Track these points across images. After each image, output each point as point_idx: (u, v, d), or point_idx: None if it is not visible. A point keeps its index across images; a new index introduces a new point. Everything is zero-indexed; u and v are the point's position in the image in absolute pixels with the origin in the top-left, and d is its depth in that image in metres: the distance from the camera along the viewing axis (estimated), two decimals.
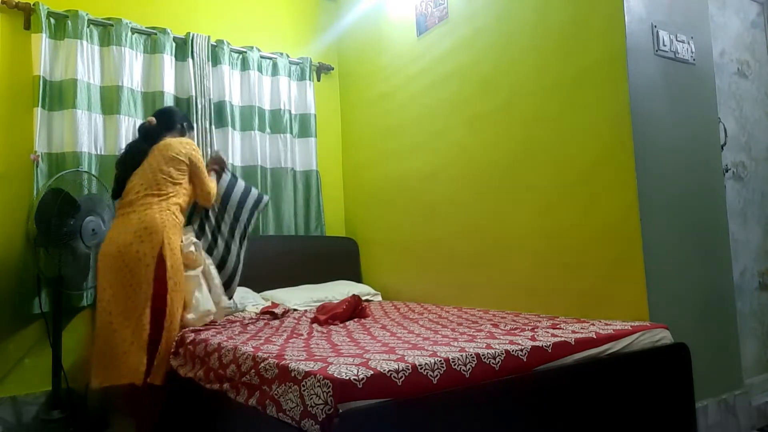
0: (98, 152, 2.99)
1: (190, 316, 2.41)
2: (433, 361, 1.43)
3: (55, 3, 2.94)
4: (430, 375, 1.40)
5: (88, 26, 3.01)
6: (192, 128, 2.89)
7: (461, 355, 1.49)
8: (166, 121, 2.69)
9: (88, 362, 2.82)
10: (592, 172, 2.32)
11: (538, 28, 2.56)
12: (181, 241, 2.46)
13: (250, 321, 2.57)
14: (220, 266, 2.65)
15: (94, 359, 2.33)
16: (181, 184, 2.51)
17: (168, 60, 3.24)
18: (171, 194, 2.46)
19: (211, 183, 2.68)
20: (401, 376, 1.36)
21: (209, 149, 3.29)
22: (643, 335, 1.86)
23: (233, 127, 3.44)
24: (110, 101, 3.05)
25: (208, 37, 3.40)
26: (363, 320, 2.53)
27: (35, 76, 2.84)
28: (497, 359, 1.53)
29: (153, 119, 2.68)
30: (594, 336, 1.76)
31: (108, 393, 2.80)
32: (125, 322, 2.26)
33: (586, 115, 2.34)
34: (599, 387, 1.70)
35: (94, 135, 2.97)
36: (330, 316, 2.50)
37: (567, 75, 2.42)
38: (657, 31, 2.29)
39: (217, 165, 2.84)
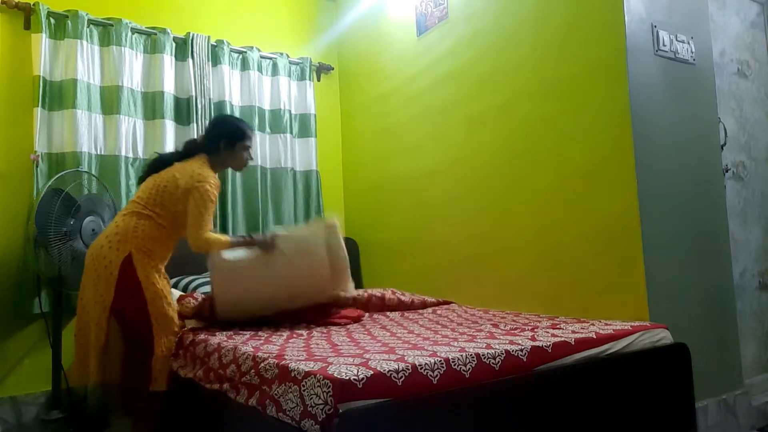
0: (98, 152, 2.99)
1: None
2: (433, 361, 1.43)
3: (55, 3, 2.94)
4: (430, 375, 1.40)
5: (88, 26, 3.01)
6: (238, 139, 2.46)
7: (461, 355, 1.49)
8: (209, 139, 2.47)
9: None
10: (592, 171, 2.32)
11: (538, 28, 2.56)
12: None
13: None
14: None
15: (75, 356, 2.32)
16: (169, 210, 2.33)
17: (168, 60, 3.24)
18: (156, 214, 2.33)
19: (207, 225, 2.28)
20: (401, 376, 1.36)
21: None
22: (643, 335, 1.86)
23: None
24: (110, 101, 3.05)
25: (208, 37, 3.40)
26: (362, 320, 2.53)
27: (35, 76, 2.84)
28: (497, 359, 1.53)
29: (203, 137, 2.52)
30: (594, 336, 1.76)
31: (108, 393, 2.81)
32: (91, 324, 2.25)
33: (586, 115, 2.34)
34: (599, 387, 1.70)
35: (94, 135, 2.97)
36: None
37: (567, 75, 2.42)
38: (657, 31, 2.29)
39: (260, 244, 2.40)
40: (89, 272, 2.29)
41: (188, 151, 2.48)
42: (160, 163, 2.47)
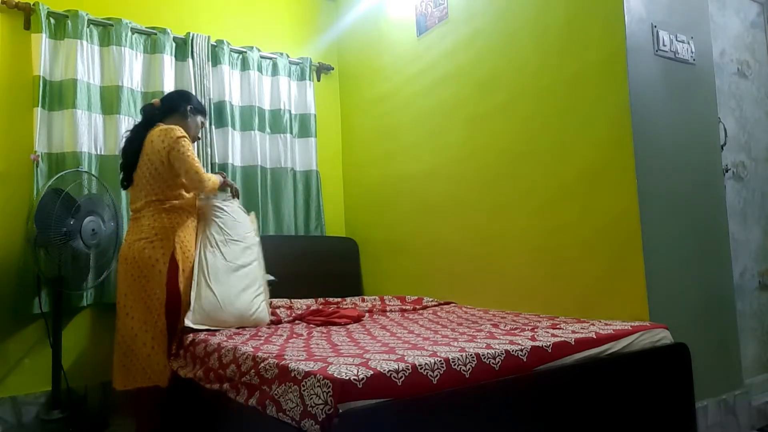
0: (98, 152, 2.99)
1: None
2: (433, 361, 1.43)
3: (55, 3, 2.94)
4: (430, 375, 1.40)
5: (88, 26, 3.01)
6: (200, 112, 2.66)
7: (461, 355, 1.49)
8: (167, 103, 2.60)
9: (90, 361, 2.84)
10: (592, 171, 2.32)
11: (538, 28, 2.56)
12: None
13: None
14: None
15: (115, 363, 2.36)
16: (174, 180, 2.43)
17: (168, 60, 3.24)
18: (173, 196, 2.43)
19: (198, 166, 2.42)
20: (401, 376, 1.36)
21: (209, 149, 3.29)
22: (643, 335, 1.86)
23: (233, 127, 3.44)
24: (110, 101, 3.05)
25: (208, 37, 3.39)
26: (362, 320, 2.53)
27: (35, 76, 2.84)
28: (497, 359, 1.53)
29: (158, 101, 2.62)
30: (594, 336, 1.77)
31: (108, 393, 2.81)
32: (144, 327, 2.30)
33: (586, 115, 2.34)
34: (599, 387, 1.70)
35: (94, 135, 2.97)
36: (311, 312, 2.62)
37: (567, 75, 2.42)
38: (657, 31, 2.29)
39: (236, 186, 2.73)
40: (136, 275, 2.33)
41: (148, 117, 2.56)
42: (130, 143, 2.52)
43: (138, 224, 2.40)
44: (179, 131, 2.42)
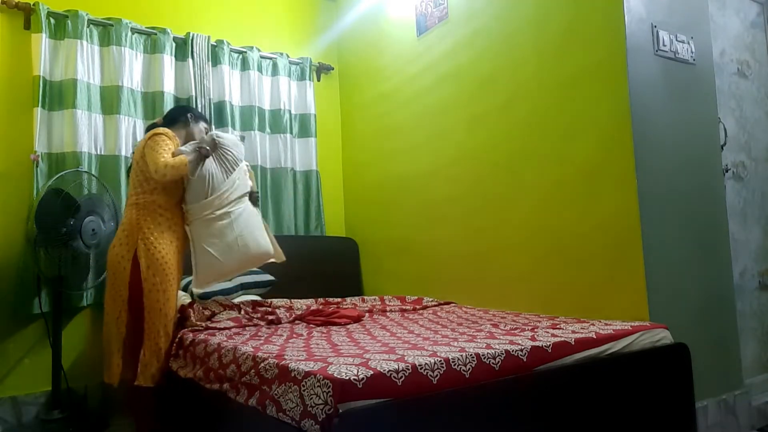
0: (98, 152, 2.99)
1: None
2: (433, 361, 1.43)
3: (55, 3, 2.94)
4: (430, 375, 1.40)
5: (88, 26, 3.01)
6: (201, 119, 2.71)
7: (461, 355, 1.49)
8: (167, 116, 2.69)
9: (90, 361, 2.85)
10: (592, 171, 2.32)
11: (538, 28, 2.56)
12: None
13: (247, 321, 2.55)
14: None
15: (104, 357, 2.44)
16: (151, 180, 2.43)
17: (168, 60, 3.24)
18: (148, 192, 2.43)
19: (162, 157, 2.34)
20: (401, 376, 1.36)
21: None
22: (643, 335, 1.86)
23: (233, 127, 3.44)
24: (110, 101, 3.05)
25: (208, 37, 3.40)
26: (362, 320, 2.53)
27: (35, 76, 2.84)
28: (497, 359, 1.53)
29: (160, 119, 2.70)
30: (594, 336, 1.77)
31: (108, 393, 2.81)
32: (110, 324, 2.37)
33: (586, 115, 2.34)
34: (599, 387, 1.70)
35: (94, 135, 2.97)
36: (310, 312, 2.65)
37: (567, 75, 2.42)
38: (657, 31, 2.30)
39: (206, 146, 2.52)
40: (108, 273, 2.42)
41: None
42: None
43: (120, 224, 2.50)
44: (160, 130, 2.47)
